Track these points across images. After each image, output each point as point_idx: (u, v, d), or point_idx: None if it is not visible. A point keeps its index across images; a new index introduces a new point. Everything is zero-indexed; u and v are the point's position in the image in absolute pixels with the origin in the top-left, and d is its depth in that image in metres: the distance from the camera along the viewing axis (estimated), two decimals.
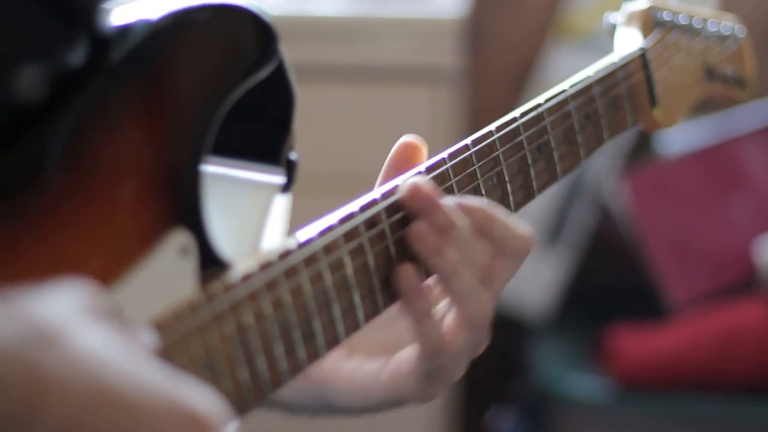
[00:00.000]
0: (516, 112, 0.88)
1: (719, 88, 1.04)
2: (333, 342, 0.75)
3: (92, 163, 0.69)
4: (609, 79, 0.94)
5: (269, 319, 0.72)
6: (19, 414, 0.59)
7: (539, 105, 0.89)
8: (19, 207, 0.66)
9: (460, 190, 0.83)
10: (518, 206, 0.87)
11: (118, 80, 0.70)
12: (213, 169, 0.74)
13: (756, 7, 2.26)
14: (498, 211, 0.80)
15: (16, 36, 0.68)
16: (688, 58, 1.01)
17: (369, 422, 2.12)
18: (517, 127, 0.87)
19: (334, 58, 2.06)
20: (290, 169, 0.79)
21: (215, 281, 0.71)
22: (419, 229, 0.78)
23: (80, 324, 0.63)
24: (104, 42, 0.70)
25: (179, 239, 0.71)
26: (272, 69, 0.75)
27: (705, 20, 1.03)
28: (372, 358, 0.85)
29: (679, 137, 2.17)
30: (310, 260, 0.74)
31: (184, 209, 0.72)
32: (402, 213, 0.79)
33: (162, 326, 0.69)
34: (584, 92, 0.92)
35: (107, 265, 0.69)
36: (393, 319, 0.82)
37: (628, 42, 0.98)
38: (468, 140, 0.85)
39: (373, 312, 0.78)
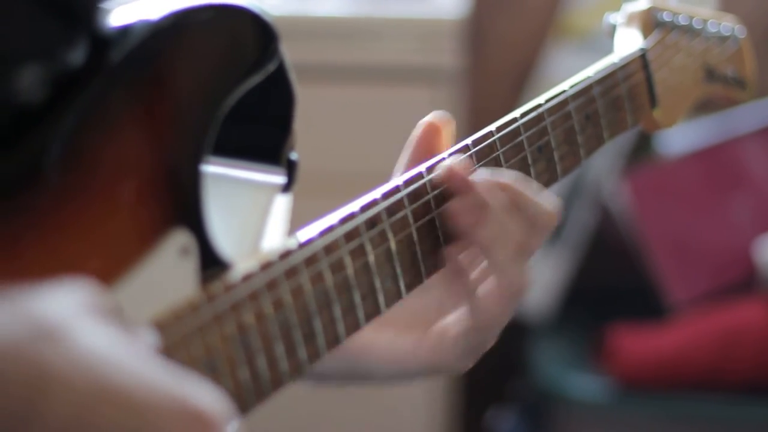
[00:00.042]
0: (516, 113, 0.88)
1: (719, 89, 1.04)
2: (333, 342, 0.75)
3: (92, 163, 0.69)
4: (609, 80, 0.94)
5: (270, 320, 0.72)
6: (20, 411, 0.59)
7: (539, 105, 0.89)
8: (20, 207, 0.66)
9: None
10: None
11: (119, 80, 0.70)
12: (213, 169, 0.74)
13: (756, 8, 2.26)
14: (529, 186, 0.84)
15: (16, 36, 0.68)
16: (688, 59, 1.01)
17: (369, 422, 2.12)
18: (518, 127, 0.88)
19: (334, 58, 2.06)
20: (291, 169, 0.79)
21: (216, 281, 0.71)
22: (456, 207, 0.81)
23: (82, 322, 0.63)
24: (104, 42, 0.70)
25: (180, 239, 0.71)
26: (273, 69, 0.75)
27: (705, 21, 1.03)
28: (406, 331, 0.87)
29: (680, 137, 2.17)
30: (310, 260, 0.74)
31: (185, 209, 0.72)
32: (412, 205, 0.80)
33: (162, 326, 0.69)
34: (584, 93, 0.92)
35: (108, 265, 0.69)
36: (425, 290, 0.84)
37: (628, 42, 0.98)
38: (468, 140, 0.85)
39: (374, 311, 0.78)
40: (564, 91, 0.91)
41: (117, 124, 0.70)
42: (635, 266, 2.12)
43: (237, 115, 0.74)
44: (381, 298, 0.78)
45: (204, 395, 0.64)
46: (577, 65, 0.96)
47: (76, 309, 0.63)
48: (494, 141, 0.86)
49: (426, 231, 0.81)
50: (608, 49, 0.98)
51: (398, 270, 0.79)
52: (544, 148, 0.89)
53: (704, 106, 1.01)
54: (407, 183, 0.80)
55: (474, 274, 0.83)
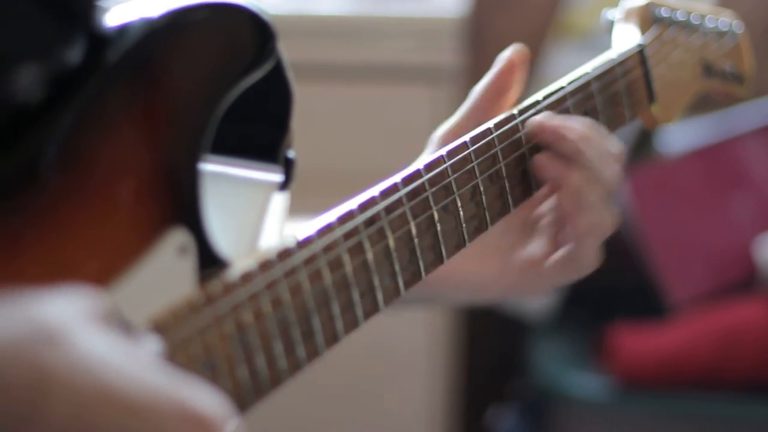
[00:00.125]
0: (514, 110, 0.88)
1: (717, 84, 1.04)
2: (332, 340, 0.75)
3: (90, 163, 0.69)
4: (607, 76, 0.94)
5: (268, 318, 0.72)
6: (21, 413, 0.59)
7: (537, 102, 0.90)
8: (18, 207, 0.66)
9: (458, 188, 0.83)
10: (516, 202, 0.88)
11: (116, 79, 0.70)
12: (211, 167, 0.74)
13: (755, 6, 2.26)
14: (601, 131, 0.90)
15: (14, 35, 0.68)
16: (686, 54, 1.01)
17: (370, 420, 2.12)
18: (516, 124, 0.88)
19: (334, 57, 2.06)
20: (288, 167, 0.79)
21: (214, 280, 0.71)
22: (544, 158, 0.88)
23: (84, 326, 0.63)
24: (102, 41, 0.70)
25: (178, 238, 0.71)
26: (270, 67, 0.75)
27: (703, 16, 1.03)
28: (486, 259, 0.92)
29: (680, 136, 2.17)
30: (309, 259, 0.74)
31: (183, 208, 0.72)
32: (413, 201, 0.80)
33: (161, 326, 0.69)
34: (583, 89, 0.92)
35: (106, 265, 0.69)
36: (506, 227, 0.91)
37: (626, 38, 0.98)
38: (466, 137, 0.85)
39: (373, 309, 0.78)
40: (562, 88, 0.91)
41: (114, 123, 0.70)
42: (636, 265, 2.12)
43: (234, 114, 0.74)
44: (380, 296, 0.78)
45: (204, 397, 0.64)
46: (577, 64, 0.96)
47: (77, 314, 0.63)
48: (492, 138, 0.86)
49: (425, 227, 0.81)
50: (608, 47, 0.98)
51: (397, 267, 0.79)
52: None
53: (705, 105, 1.01)
54: (405, 181, 0.80)
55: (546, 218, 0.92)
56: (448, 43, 2.06)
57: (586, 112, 0.92)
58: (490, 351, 2.38)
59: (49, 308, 0.63)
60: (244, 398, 0.71)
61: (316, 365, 0.76)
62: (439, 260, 0.82)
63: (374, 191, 0.78)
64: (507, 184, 0.87)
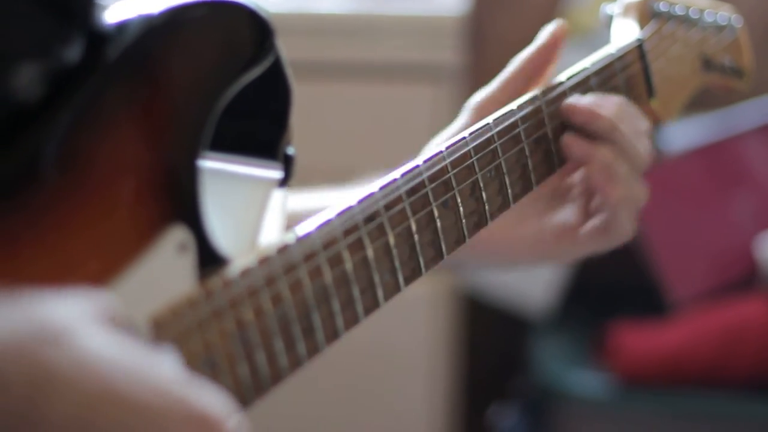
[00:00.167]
0: (513, 105, 0.88)
1: (716, 78, 1.04)
2: (333, 336, 0.75)
3: (89, 161, 0.69)
4: (606, 71, 0.94)
5: (268, 315, 0.72)
6: (23, 411, 0.59)
7: (536, 98, 0.89)
8: (18, 205, 0.66)
9: (458, 183, 0.83)
10: (516, 198, 0.88)
11: (115, 77, 0.70)
12: (210, 164, 0.74)
13: (756, 5, 2.26)
14: (631, 114, 0.92)
15: (13, 34, 0.68)
16: (685, 49, 1.01)
17: (371, 418, 2.12)
18: (515, 120, 0.87)
19: (335, 56, 2.05)
20: (288, 163, 0.79)
21: (214, 277, 0.71)
22: (571, 138, 0.91)
23: (89, 328, 0.63)
24: (101, 38, 0.70)
25: (177, 236, 0.71)
26: (269, 64, 0.75)
27: (702, 10, 1.03)
28: (521, 223, 0.94)
29: (681, 134, 2.17)
30: (308, 255, 0.74)
31: (182, 205, 0.72)
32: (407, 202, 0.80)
33: (161, 323, 0.69)
34: (582, 84, 0.92)
35: (106, 263, 0.69)
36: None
37: (624, 33, 0.98)
38: (465, 133, 0.85)
39: (373, 305, 0.78)
40: (561, 83, 0.91)
41: (113, 120, 0.70)
42: (637, 263, 2.12)
43: (234, 111, 0.74)
44: (380, 292, 0.78)
45: (207, 396, 0.64)
46: (578, 62, 0.96)
47: (82, 315, 0.63)
48: (492, 134, 0.86)
49: (424, 224, 0.81)
50: (607, 44, 0.98)
51: (397, 263, 0.79)
52: (541, 140, 0.89)
53: (706, 103, 1.01)
54: (405, 176, 0.80)
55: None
56: (449, 42, 2.06)
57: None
58: (492, 349, 2.38)
59: (54, 309, 0.63)
60: (244, 396, 0.71)
61: (317, 361, 0.76)
62: (439, 256, 0.82)
63: (374, 187, 0.78)
64: (507, 180, 0.87)
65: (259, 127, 0.79)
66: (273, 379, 0.72)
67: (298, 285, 0.73)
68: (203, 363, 0.69)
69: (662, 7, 1.00)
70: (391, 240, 0.79)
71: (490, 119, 0.86)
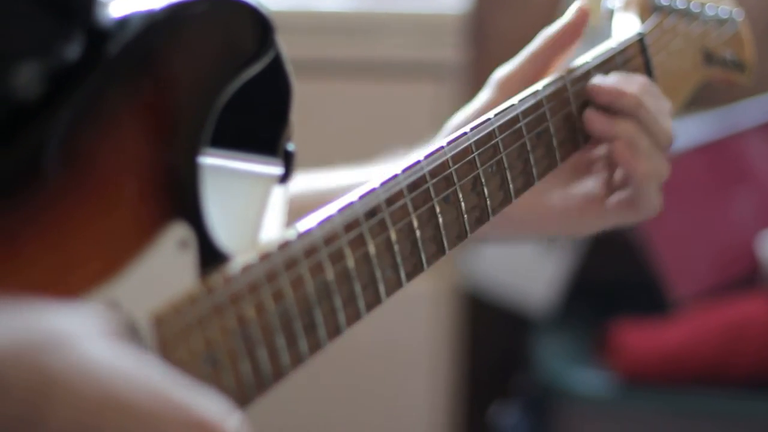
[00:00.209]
0: (514, 99, 0.88)
1: (718, 72, 1.03)
2: (334, 332, 0.75)
3: (90, 158, 0.69)
4: (607, 65, 0.94)
5: (270, 311, 0.72)
6: (23, 415, 0.60)
7: (537, 92, 0.89)
8: (19, 203, 0.66)
9: (459, 179, 0.83)
10: (518, 192, 0.88)
11: (116, 73, 0.70)
12: (211, 161, 0.74)
13: (758, 2, 2.26)
14: (655, 92, 0.93)
15: (13, 32, 0.68)
16: (686, 43, 1.01)
17: (372, 416, 2.12)
18: (516, 114, 0.87)
19: (336, 54, 2.05)
20: (288, 160, 0.79)
21: (215, 273, 0.71)
22: (593, 114, 0.92)
23: (89, 335, 0.63)
24: (101, 35, 0.70)
25: (178, 232, 0.71)
26: (269, 60, 0.75)
27: (703, 4, 1.02)
28: (550, 194, 0.95)
29: (683, 132, 2.17)
30: (309, 251, 0.74)
31: (183, 202, 0.72)
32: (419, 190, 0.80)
33: (162, 320, 0.69)
34: (583, 78, 0.92)
35: (107, 260, 0.69)
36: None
37: (625, 27, 0.98)
38: (467, 128, 0.84)
39: (374, 301, 0.78)
40: (562, 77, 0.91)
41: (114, 117, 0.70)
42: (638, 261, 2.12)
43: (234, 107, 0.74)
44: (381, 288, 0.78)
45: (207, 401, 0.64)
46: (579, 56, 0.96)
47: (84, 324, 0.64)
48: (493, 129, 0.85)
49: (425, 219, 0.81)
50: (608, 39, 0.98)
51: (398, 259, 0.79)
52: (543, 134, 0.89)
53: (707, 101, 1.01)
54: (406, 171, 0.80)
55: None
56: (451, 40, 2.05)
57: (586, 103, 0.92)
58: (493, 347, 2.38)
59: (57, 317, 0.63)
60: (246, 393, 0.71)
61: (319, 359, 0.76)
62: (441, 252, 0.82)
63: (375, 183, 0.78)
64: (508, 175, 0.87)
65: (259, 123, 0.79)
66: (275, 375, 0.72)
67: (300, 281, 0.73)
68: (204, 360, 0.69)
69: (663, 1, 1.00)
70: (393, 235, 0.78)
71: (491, 114, 0.86)
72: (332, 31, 2.05)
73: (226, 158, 0.77)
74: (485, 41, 2.27)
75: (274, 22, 0.74)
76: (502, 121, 0.86)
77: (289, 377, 0.74)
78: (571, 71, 0.92)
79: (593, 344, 2.09)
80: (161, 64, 0.71)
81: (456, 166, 0.82)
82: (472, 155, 0.84)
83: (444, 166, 0.82)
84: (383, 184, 0.78)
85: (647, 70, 0.97)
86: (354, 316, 0.76)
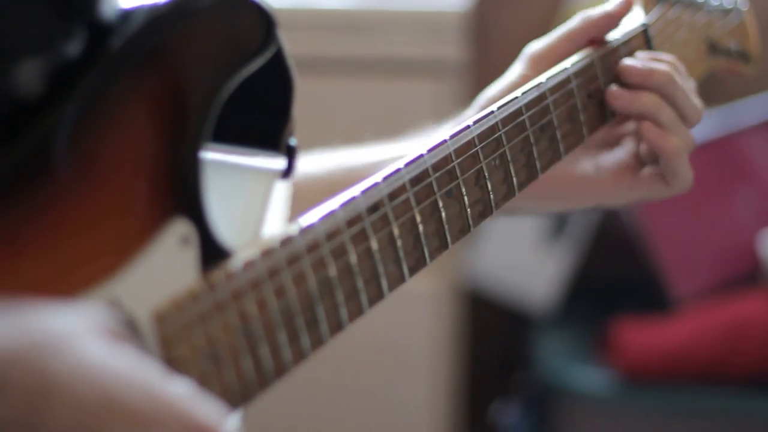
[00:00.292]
0: (518, 92, 0.87)
1: (722, 63, 1.03)
2: (337, 328, 0.75)
3: (91, 155, 0.69)
4: (611, 57, 0.94)
5: (272, 307, 0.71)
6: (22, 418, 0.60)
7: (541, 84, 0.89)
8: (20, 200, 0.66)
9: (462, 172, 0.82)
10: (521, 186, 0.87)
11: (118, 69, 0.70)
12: (213, 156, 0.74)
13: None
14: (682, 73, 0.94)
15: (14, 30, 0.68)
16: (690, 34, 1.01)
17: (373, 414, 2.12)
18: (520, 107, 0.87)
19: (337, 51, 2.05)
20: (290, 155, 0.79)
21: (217, 270, 0.71)
22: (617, 91, 0.93)
23: (88, 337, 0.63)
24: (104, 30, 0.70)
25: (180, 229, 0.71)
26: (271, 55, 0.75)
27: None
28: (576, 165, 0.95)
29: None
30: (312, 247, 0.73)
31: (184, 198, 0.71)
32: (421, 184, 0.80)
33: (163, 316, 0.68)
34: (587, 70, 0.92)
35: (108, 256, 0.69)
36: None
37: (629, 18, 0.97)
38: (470, 120, 0.84)
39: (377, 296, 0.77)
40: (566, 69, 0.91)
41: (115, 113, 0.70)
42: (639, 259, 2.12)
43: (236, 102, 0.74)
44: (384, 283, 0.77)
45: (204, 405, 0.64)
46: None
47: (83, 326, 0.64)
48: (496, 122, 0.85)
49: (428, 213, 0.81)
50: None
51: (401, 254, 0.78)
52: (547, 127, 0.89)
53: (708, 99, 1.00)
54: (409, 165, 0.80)
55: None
56: (452, 37, 2.05)
57: (590, 94, 0.92)
58: (494, 345, 2.38)
59: (56, 319, 0.63)
60: (248, 389, 0.71)
61: (319, 357, 0.76)
62: (444, 246, 0.82)
63: (377, 177, 0.78)
64: (512, 168, 0.86)
65: (261, 118, 0.78)
66: (277, 372, 0.72)
67: (302, 277, 0.73)
68: (206, 357, 0.69)
69: None
70: (395, 230, 0.78)
71: (494, 107, 0.86)
72: (334, 28, 2.05)
73: (228, 153, 0.77)
74: (486, 39, 2.27)
75: (276, 16, 0.74)
76: (505, 114, 0.86)
77: (290, 375, 0.73)
78: (574, 63, 0.91)
79: (594, 342, 2.09)
80: (163, 60, 0.71)
81: (459, 160, 0.82)
82: (475, 149, 0.83)
83: (447, 159, 0.81)
84: (386, 178, 0.78)
85: None
86: (356, 312, 0.76)
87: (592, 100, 0.92)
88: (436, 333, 2.09)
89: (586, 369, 2.03)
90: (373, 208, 0.77)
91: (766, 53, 1.16)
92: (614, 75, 0.94)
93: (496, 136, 0.85)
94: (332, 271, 0.74)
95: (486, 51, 2.26)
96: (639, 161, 0.95)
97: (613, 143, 0.97)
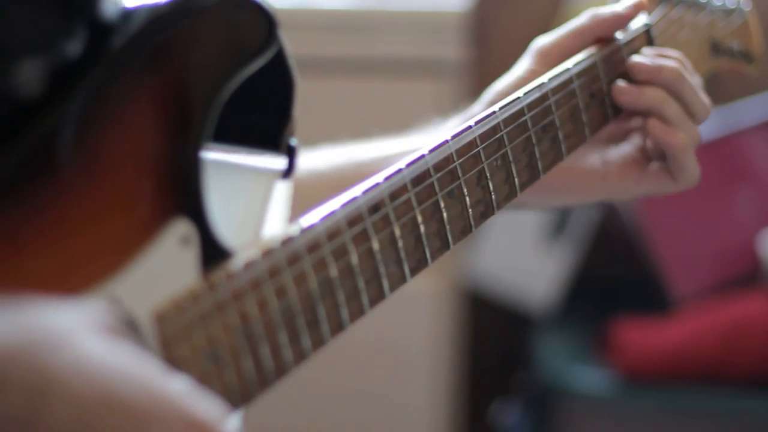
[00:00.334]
0: (519, 92, 0.87)
1: (725, 63, 1.03)
2: (338, 328, 0.75)
3: (92, 154, 0.69)
4: (614, 57, 0.94)
5: (273, 307, 0.71)
6: (22, 415, 0.60)
7: (543, 84, 0.88)
8: (20, 200, 0.66)
9: (464, 173, 0.82)
10: (523, 186, 0.87)
11: (119, 67, 0.70)
12: (214, 156, 0.74)
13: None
14: (690, 70, 0.94)
15: (15, 29, 0.68)
16: (693, 34, 1.01)
17: (373, 414, 2.12)
18: (522, 107, 0.86)
19: (338, 51, 2.05)
20: (291, 155, 0.79)
21: (217, 270, 0.71)
22: (623, 87, 0.93)
23: (88, 334, 0.63)
24: (105, 29, 0.70)
25: (180, 229, 0.71)
26: (272, 55, 0.75)
27: None
28: (584, 159, 0.95)
29: None
30: (313, 247, 0.73)
31: (185, 198, 0.71)
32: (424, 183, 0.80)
33: (164, 317, 0.68)
34: (589, 71, 0.92)
35: (109, 256, 0.69)
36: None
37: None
38: (471, 121, 0.84)
39: (378, 296, 0.77)
40: (568, 69, 0.90)
41: (116, 112, 0.70)
42: (639, 259, 2.12)
43: (237, 102, 0.74)
44: (385, 283, 0.77)
45: (204, 403, 0.64)
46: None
47: (83, 323, 0.64)
48: (498, 123, 0.85)
49: (430, 213, 0.80)
50: None
51: (402, 254, 0.78)
52: (549, 128, 0.88)
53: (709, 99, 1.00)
54: (410, 166, 0.79)
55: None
56: (452, 38, 2.05)
57: (592, 95, 0.92)
58: (494, 345, 2.38)
59: (55, 316, 0.63)
60: (248, 389, 0.71)
61: (319, 357, 0.76)
62: (446, 246, 0.82)
63: (378, 177, 0.77)
64: (513, 168, 0.86)
65: (262, 118, 0.78)
66: (277, 372, 0.72)
67: (303, 277, 0.73)
68: (207, 357, 0.69)
69: None
70: (397, 231, 0.78)
71: (496, 107, 0.85)
72: (334, 28, 2.05)
73: (229, 153, 0.77)
74: (487, 39, 2.27)
75: (278, 16, 0.74)
76: (507, 114, 0.85)
77: (291, 375, 0.73)
78: (577, 63, 0.91)
79: (594, 342, 2.09)
80: (164, 59, 0.71)
81: (460, 160, 0.82)
82: (477, 149, 0.83)
83: (448, 160, 0.81)
84: (387, 178, 0.78)
85: None
86: (357, 312, 0.76)
87: (594, 101, 0.92)
88: (436, 333, 2.09)
89: (586, 369, 2.03)
90: (375, 208, 0.76)
91: (766, 53, 1.16)
92: (617, 75, 0.94)
93: (498, 136, 0.84)
94: (333, 271, 0.74)
95: (486, 51, 2.26)
96: (646, 156, 0.95)
97: (620, 138, 0.96)
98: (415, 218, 0.79)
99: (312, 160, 0.96)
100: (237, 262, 0.71)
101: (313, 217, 0.74)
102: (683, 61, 0.94)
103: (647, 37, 0.96)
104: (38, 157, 0.67)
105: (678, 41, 0.99)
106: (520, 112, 0.86)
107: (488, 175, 0.84)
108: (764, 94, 2.14)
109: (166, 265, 0.70)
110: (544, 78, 0.89)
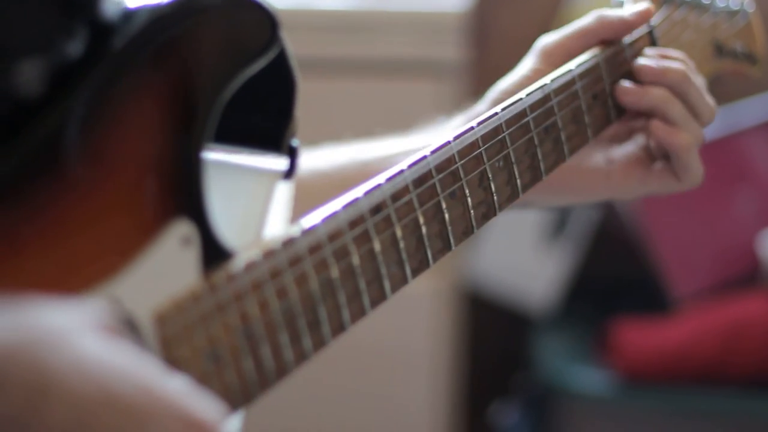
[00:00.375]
0: (522, 93, 0.87)
1: (729, 64, 1.03)
2: (339, 329, 0.75)
3: (93, 154, 0.69)
4: (617, 58, 0.93)
5: (273, 308, 0.71)
6: (21, 414, 0.60)
7: (545, 85, 0.88)
8: (21, 200, 0.66)
9: (466, 174, 0.82)
10: (525, 188, 0.87)
11: (120, 69, 0.70)
12: (215, 157, 0.74)
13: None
14: (694, 71, 0.94)
15: (15, 29, 0.67)
16: (696, 35, 1.00)
17: (373, 414, 2.12)
18: (524, 108, 0.86)
19: (337, 52, 2.05)
20: (292, 155, 0.79)
21: (218, 271, 0.70)
22: (627, 87, 0.93)
23: (86, 334, 0.63)
24: (106, 29, 0.70)
25: (181, 229, 0.71)
26: (274, 56, 0.75)
27: None
28: (588, 158, 0.95)
29: None
30: (314, 248, 0.73)
31: (186, 199, 0.71)
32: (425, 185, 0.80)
33: (164, 317, 0.68)
34: (592, 72, 0.91)
35: (109, 257, 0.69)
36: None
37: None
38: (474, 122, 0.84)
39: (380, 297, 0.77)
40: (571, 71, 0.90)
41: (118, 113, 0.70)
42: (639, 260, 2.12)
43: (238, 102, 0.74)
44: (387, 284, 0.77)
45: (203, 402, 0.64)
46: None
47: (81, 323, 0.63)
48: (500, 124, 0.85)
49: (431, 215, 0.80)
50: None
51: (404, 255, 0.78)
52: (551, 129, 0.88)
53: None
54: (412, 167, 0.79)
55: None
56: (452, 38, 2.05)
57: (595, 96, 0.92)
58: (494, 346, 2.38)
59: (54, 316, 0.63)
60: (249, 390, 0.71)
61: (319, 358, 0.76)
62: (447, 248, 0.81)
63: (380, 178, 0.77)
64: (515, 170, 0.86)
65: (263, 118, 0.78)
66: (278, 373, 0.72)
67: (304, 278, 0.72)
68: (207, 357, 0.69)
69: None
70: (398, 232, 0.78)
71: (498, 108, 0.85)
72: (334, 29, 2.05)
73: (230, 154, 0.77)
74: (486, 39, 2.27)
75: (279, 17, 0.74)
76: (509, 115, 0.85)
77: (291, 375, 0.73)
78: (579, 65, 0.91)
79: (593, 343, 2.09)
80: (166, 60, 0.71)
81: (462, 161, 0.82)
82: (479, 150, 0.83)
83: (450, 161, 0.81)
84: (389, 179, 0.77)
85: None
86: (359, 313, 0.76)
87: (597, 102, 0.92)
88: (436, 333, 2.09)
89: (585, 370, 2.03)
90: (376, 209, 0.76)
91: None
92: (620, 76, 0.94)
93: (500, 137, 0.84)
94: (334, 272, 0.74)
95: (486, 51, 2.26)
96: (650, 156, 0.95)
97: (624, 137, 0.96)
98: (416, 219, 0.79)
99: (315, 159, 0.96)
100: (238, 263, 0.71)
101: (314, 218, 0.74)
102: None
103: (650, 38, 0.96)
104: (39, 157, 0.67)
105: (681, 42, 0.99)
106: (523, 113, 0.86)
107: (490, 176, 0.84)
108: (764, 94, 2.14)
109: (167, 266, 0.70)
110: (546, 79, 0.89)
